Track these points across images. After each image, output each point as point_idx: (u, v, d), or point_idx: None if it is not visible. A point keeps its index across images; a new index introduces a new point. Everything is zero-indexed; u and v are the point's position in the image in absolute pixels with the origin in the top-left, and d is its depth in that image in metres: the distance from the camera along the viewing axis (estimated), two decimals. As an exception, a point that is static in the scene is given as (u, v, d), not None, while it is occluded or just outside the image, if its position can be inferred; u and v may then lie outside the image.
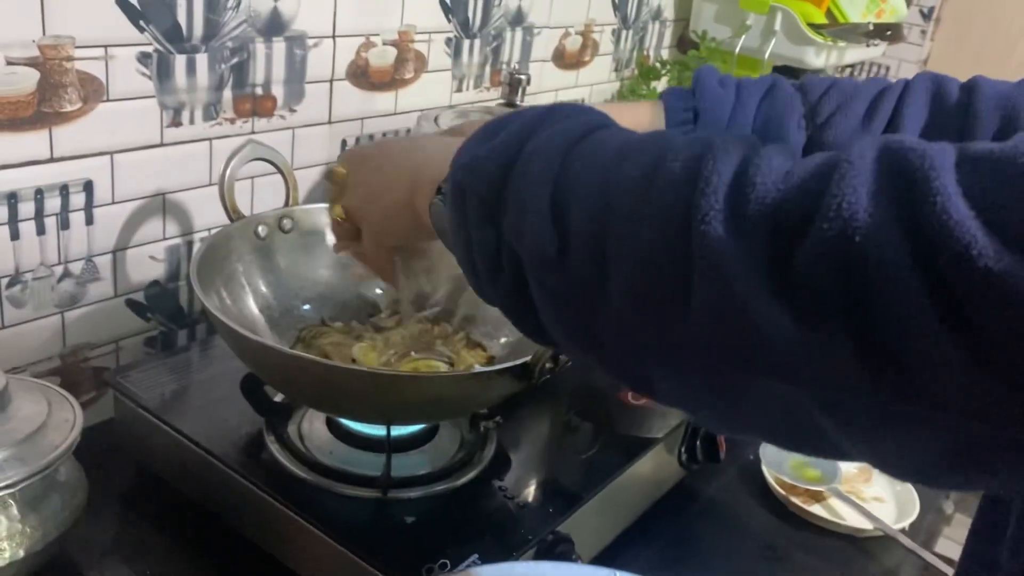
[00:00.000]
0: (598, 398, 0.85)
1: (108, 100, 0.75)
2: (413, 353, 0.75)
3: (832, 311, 0.28)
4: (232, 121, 0.86)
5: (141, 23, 0.75)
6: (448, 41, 1.08)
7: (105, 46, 0.74)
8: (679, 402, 0.38)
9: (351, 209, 0.59)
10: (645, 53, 1.48)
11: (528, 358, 0.62)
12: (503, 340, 0.80)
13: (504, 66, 1.18)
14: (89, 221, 0.78)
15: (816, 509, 0.85)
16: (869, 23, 1.39)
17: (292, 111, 0.92)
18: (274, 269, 0.79)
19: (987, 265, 0.25)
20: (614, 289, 0.35)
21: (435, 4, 1.04)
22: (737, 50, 1.38)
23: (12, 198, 0.72)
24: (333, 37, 0.93)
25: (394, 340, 0.76)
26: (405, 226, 0.55)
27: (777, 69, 1.38)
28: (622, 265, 0.35)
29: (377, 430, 0.71)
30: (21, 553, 0.59)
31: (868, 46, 1.45)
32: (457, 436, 0.75)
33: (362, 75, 0.98)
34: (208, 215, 0.87)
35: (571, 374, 0.71)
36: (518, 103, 1.02)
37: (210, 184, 0.86)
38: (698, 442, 0.83)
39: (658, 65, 1.43)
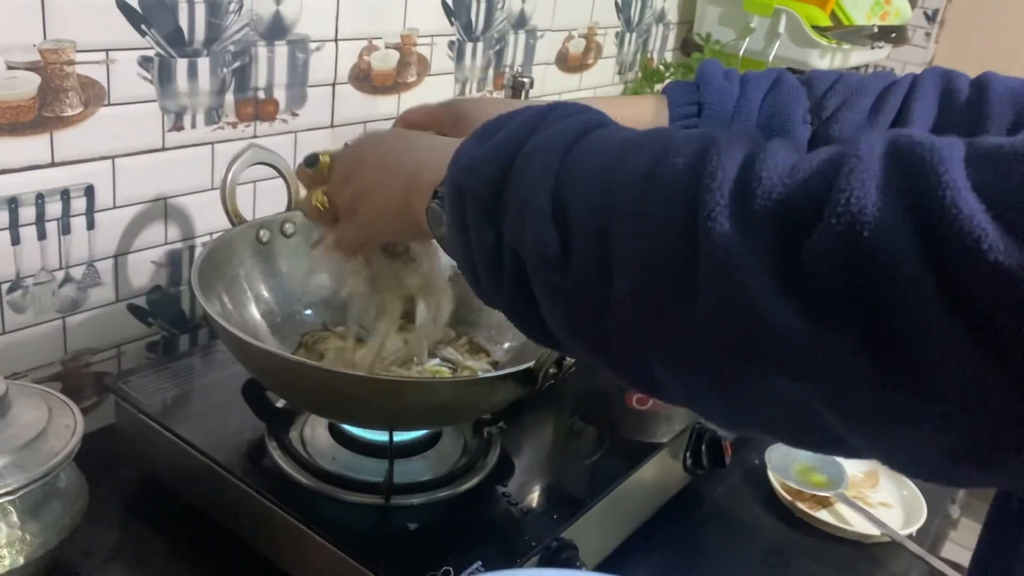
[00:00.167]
0: (602, 403, 0.84)
1: (109, 104, 0.75)
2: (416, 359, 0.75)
3: (840, 306, 0.28)
4: (234, 125, 0.86)
5: (142, 27, 0.75)
6: (451, 44, 1.07)
7: (106, 50, 0.73)
8: (684, 400, 0.37)
9: (336, 201, 0.58)
10: (649, 56, 1.47)
11: (531, 363, 0.61)
12: (506, 345, 0.79)
13: (507, 69, 1.17)
14: (90, 226, 0.78)
15: (822, 515, 0.85)
16: (873, 25, 1.38)
17: (294, 115, 0.91)
18: (276, 274, 0.79)
19: (997, 259, 0.25)
20: (618, 287, 0.35)
21: (438, 7, 1.03)
22: (741, 53, 1.38)
23: (13, 203, 0.72)
24: (335, 41, 0.92)
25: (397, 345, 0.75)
26: (398, 227, 0.54)
27: (781, 72, 1.37)
28: (625, 263, 0.35)
29: (379, 436, 0.70)
30: (21, 560, 0.59)
31: (872, 48, 1.45)
32: (460, 442, 0.75)
33: (364, 79, 0.98)
34: (210, 219, 0.86)
35: (575, 379, 0.70)
36: (521, 106, 1.01)
37: (212, 188, 0.86)
38: (703, 447, 0.82)
39: (662, 68, 1.43)
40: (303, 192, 0.61)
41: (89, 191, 0.76)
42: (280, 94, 0.89)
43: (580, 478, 0.74)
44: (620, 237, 0.35)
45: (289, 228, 0.80)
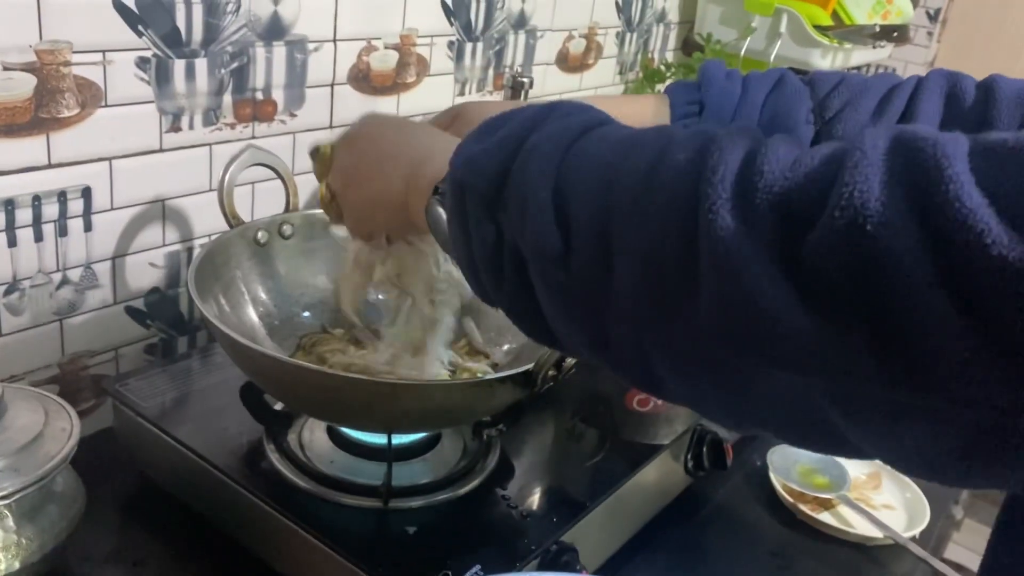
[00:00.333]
0: (603, 405, 0.84)
1: (106, 105, 0.75)
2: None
3: (843, 301, 0.28)
4: (232, 126, 0.85)
5: (139, 27, 0.74)
6: (450, 44, 1.07)
7: (103, 51, 0.73)
8: (686, 398, 0.37)
9: (337, 191, 0.58)
10: (649, 56, 1.47)
11: (531, 366, 0.61)
12: (506, 347, 0.79)
13: (507, 69, 1.17)
14: (88, 228, 0.77)
15: (825, 517, 0.84)
16: (875, 25, 1.37)
17: (293, 116, 0.91)
18: (274, 276, 0.79)
19: (1001, 254, 0.25)
20: (619, 284, 0.35)
21: (437, 7, 1.03)
22: (742, 52, 1.37)
23: (9, 205, 0.71)
24: (334, 41, 0.92)
25: (395, 347, 0.75)
26: (396, 222, 0.54)
27: (782, 71, 1.36)
28: (627, 260, 0.34)
29: (378, 439, 0.70)
30: (17, 565, 0.58)
31: (874, 48, 1.44)
32: (460, 444, 0.74)
33: (364, 79, 0.97)
34: (208, 221, 0.86)
35: (575, 381, 0.70)
36: (521, 106, 1.01)
37: (210, 190, 0.85)
38: (704, 449, 0.82)
39: (663, 68, 1.42)
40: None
41: (86, 193, 0.76)
42: (278, 95, 0.89)
43: (580, 480, 0.73)
44: (621, 234, 0.35)
45: (287, 230, 0.79)
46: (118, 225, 0.80)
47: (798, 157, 0.31)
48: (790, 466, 0.89)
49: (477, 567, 0.60)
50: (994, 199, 0.26)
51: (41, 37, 0.69)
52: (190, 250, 0.87)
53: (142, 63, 0.76)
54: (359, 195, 0.56)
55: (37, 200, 0.73)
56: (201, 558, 0.68)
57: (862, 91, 0.65)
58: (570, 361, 0.61)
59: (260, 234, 0.78)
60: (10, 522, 0.58)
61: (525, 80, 1.01)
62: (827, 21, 1.33)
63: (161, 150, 0.80)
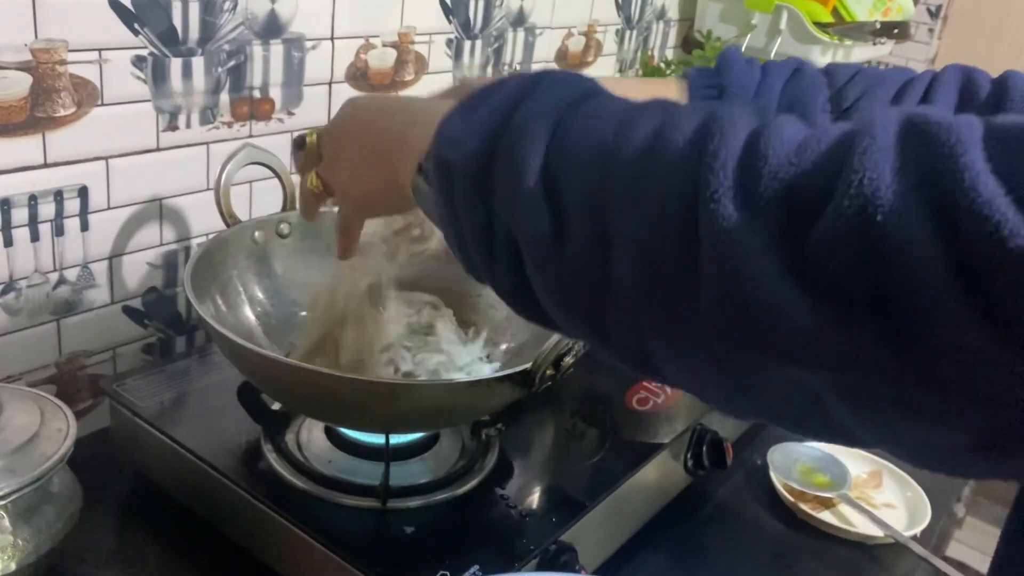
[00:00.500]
0: (602, 404, 0.83)
1: (102, 104, 0.74)
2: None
3: (850, 292, 0.27)
4: (229, 125, 0.85)
5: (135, 26, 0.74)
6: (449, 42, 1.06)
7: (99, 49, 0.73)
8: (684, 384, 0.36)
9: (328, 181, 0.56)
10: (649, 53, 1.47)
11: (528, 365, 0.60)
12: (504, 347, 0.79)
13: (506, 67, 1.16)
14: (84, 227, 0.77)
15: (825, 516, 0.84)
16: (876, 21, 1.37)
17: (290, 114, 0.90)
18: (271, 275, 0.78)
19: (1019, 245, 0.24)
20: (615, 270, 0.34)
21: (435, 5, 1.02)
22: (743, 49, 1.37)
23: (5, 204, 0.71)
24: (332, 39, 0.92)
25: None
26: (386, 202, 0.52)
27: (783, 68, 1.36)
28: (623, 245, 0.33)
29: (376, 438, 0.69)
30: (13, 566, 0.58)
31: (875, 44, 1.44)
32: (458, 444, 0.74)
33: (361, 77, 0.97)
34: (205, 220, 0.85)
35: (574, 379, 0.70)
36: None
37: (207, 189, 0.85)
38: (704, 448, 0.81)
39: (663, 65, 1.42)
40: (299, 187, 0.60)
41: (83, 192, 0.76)
42: (276, 93, 0.88)
43: (580, 480, 0.73)
44: (617, 218, 0.33)
45: (284, 229, 0.79)
46: (115, 224, 0.80)
47: (804, 141, 0.30)
48: (791, 465, 0.89)
49: (475, 567, 0.60)
50: (1011, 187, 0.25)
51: (36, 36, 0.68)
52: (187, 249, 0.86)
53: (138, 62, 0.76)
54: (351, 187, 0.54)
55: (33, 200, 0.73)
56: (198, 559, 0.68)
57: (879, 82, 0.65)
58: (568, 360, 0.60)
59: (257, 233, 0.77)
60: (6, 523, 0.58)
61: (524, 78, 1.01)
62: (827, 18, 1.33)
63: (158, 149, 0.80)
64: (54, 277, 0.77)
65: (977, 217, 0.25)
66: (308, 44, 0.89)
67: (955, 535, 1.09)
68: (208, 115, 0.83)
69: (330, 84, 0.94)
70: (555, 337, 0.59)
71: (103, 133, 0.75)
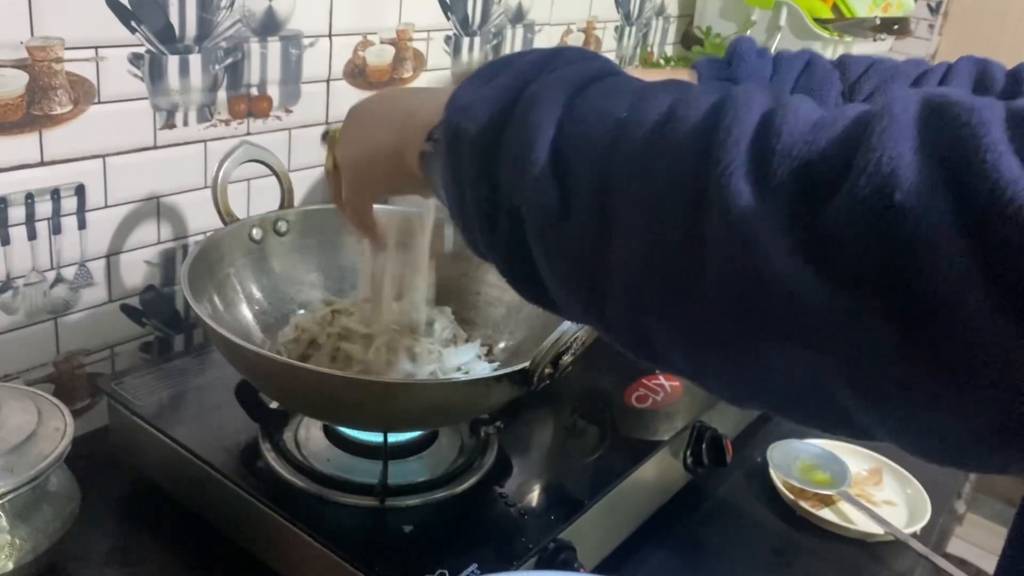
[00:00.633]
0: (601, 401, 0.83)
1: (99, 102, 0.74)
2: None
3: (865, 272, 0.26)
4: (227, 123, 0.85)
5: (132, 23, 0.74)
6: (447, 39, 1.06)
7: (96, 47, 0.72)
8: (686, 371, 0.35)
9: (339, 159, 0.56)
10: (649, 50, 1.46)
11: (527, 364, 0.60)
12: (502, 344, 0.78)
13: (505, 64, 1.16)
14: (81, 225, 0.77)
15: (825, 513, 0.84)
16: (876, 17, 1.37)
17: (288, 112, 0.90)
18: (268, 273, 0.78)
19: None
20: (621, 246, 0.33)
21: (434, 1, 1.02)
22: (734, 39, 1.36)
23: (2, 203, 0.71)
24: (329, 36, 0.91)
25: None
26: (390, 173, 0.51)
27: (782, 65, 1.35)
28: (630, 221, 0.33)
29: (375, 437, 0.69)
30: (10, 565, 0.58)
31: (875, 41, 1.43)
32: (457, 442, 0.74)
33: (359, 74, 0.97)
34: (203, 218, 0.85)
35: (573, 377, 0.69)
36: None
37: (205, 187, 0.85)
38: (704, 445, 0.81)
39: (662, 62, 1.41)
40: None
41: (80, 190, 0.76)
42: (274, 91, 0.88)
43: (579, 478, 0.73)
44: (625, 192, 0.33)
45: (282, 226, 0.79)
46: (112, 223, 0.79)
47: (820, 119, 0.29)
48: (790, 462, 0.88)
49: (474, 566, 0.60)
50: None
51: (32, 33, 0.68)
52: (185, 247, 0.86)
53: (135, 59, 0.75)
54: (355, 153, 0.54)
55: (30, 198, 0.72)
56: (197, 557, 0.68)
57: (892, 75, 0.64)
58: (567, 359, 0.60)
59: (255, 231, 0.77)
60: (3, 522, 0.58)
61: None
62: (827, 14, 1.32)
63: (155, 147, 0.80)
64: (51, 276, 0.76)
65: (999, 198, 0.24)
66: (306, 41, 0.89)
67: (956, 532, 1.09)
68: (206, 113, 0.83)
69: (328, 81, 0.93)
70: (554, 336, 0.59)
71: (100, 131, 0.75)
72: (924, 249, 0.25)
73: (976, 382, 0.26)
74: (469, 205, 0.40)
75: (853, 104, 0.30)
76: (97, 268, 0.80)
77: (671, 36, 1.51)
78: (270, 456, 0.68)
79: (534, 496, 0.69)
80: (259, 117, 0.88)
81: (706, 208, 0.30)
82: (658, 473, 0.78)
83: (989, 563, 0.80)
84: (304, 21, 0.88)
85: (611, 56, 1.37)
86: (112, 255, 0.80)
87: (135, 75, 0.76)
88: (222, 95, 0.83)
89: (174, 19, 0.77)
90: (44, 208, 0.74)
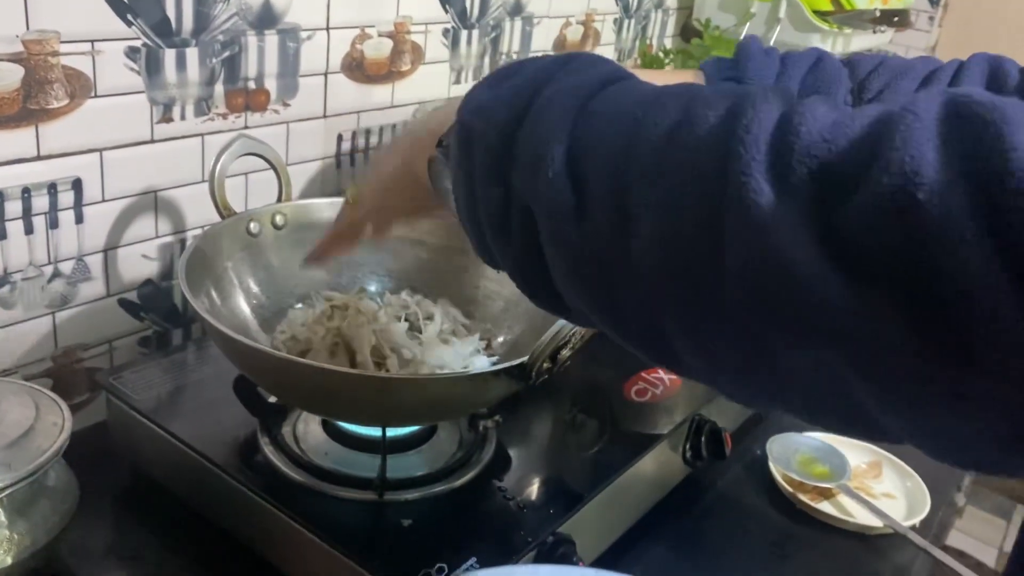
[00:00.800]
0: (600, 395, 0.83)
1: (96, 96, 0.74)
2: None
3: (887, 269, 0.26)
4: (224, 116, 0.84)
5: (128, 17, 0.74)
6: (445, 32, 1.06)
7: (92, 41, 0.72)
8: (702, 372, 0.35)
9: (359, 195, 0.58)
10: (648, 43, 1.46)
11: (525, 358, 0.60)
12: (501, 339, 0.78)
13: (503, 57, 1.16)
14: (79, 220, 0.77)
15: (825, 506, 0.84)
16: (875, 9, 1.36)
17: (286, 105, 0.90)
18: (266, 267, 0.78)
19: None
20: (637, 248, 0.33)
21: (432, -6, 1.02)
22: (741, 38, 1.36)
23: (-1, 197, 0.71)
24: (327, 29, 0.91)
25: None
26: (404, 195, 0.51)
27: (782, 57, 1.35)
28: (646, 221, 0.32)
29: (373, 431, 0.69)
30: (9, 560, 0.58)
31: (875, 33, 1.43)
32: (456, 436, 0.74)
33: (357, 68, 0.96)
34: (201, 212, 0.85)
35: (572, 371, 0.69)
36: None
37: (202, 181, 0.84)
38: (703, 439, 0.81)
39: (661, 55, 1.41)
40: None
41: (77, 184, 0.75)
42: (271, 84, 0.88)
43: (578, 471, 0.73)
44: (641, 193, 0.33)
45: (280, 220, 0.79)
46: (110, 217, 0.79)
47: (839, 118, 0.29)
48: (790, 455, 0.88)
49: (473, 559, 0.60)
50: None
51: (28, 27, 0.68)
52: (183, 241, 0.86)
53: (132, 53, 0.75)
54: (372, 184, 0.55)
55: (27, 192, 0.72)
56: (195, 551, 0.68)
57: (902, 73, 0.63)
58: (565, 353, 0.60)
59: (252, 225, 0.77)
60: (2, 517, 0.58)
61: (521, 67, 1.00)
62: (827, 6, 1.32)
63: (152, 141, 0.80)
64: (49, 270, 0.76)
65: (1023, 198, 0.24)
66: (303, 34, 0.89)
67: (955, 525, 1.09)
68: (203, 107, 0.82)
69: (326, 75, 0.93)
70: (552, 330, 0.59)
71: (97, 125, 0.75)
72: (947, 248, 0.25)
73: (999, 381, 0.26)
74: (481, 208, 0.39)
75: (871, 104, 0.30)
76: (95, 262, 0.79)
77: (670, 28, 1.50)
78: (268, 450, 0.68)
79: (533, 490, 0.69)
80: (257, 111, 0.87)
81: (725, 206, 0.30)
82: (657, 467, 0.78)
83: (988, 555, 0.80)
84: (301, 14, 0.87)
85: (610, 49, 1.37)
86: (110, 249, 0.80)
87: (132, 69, 0.76)
88: (219, 89, 0.83)
89: (170, 12, 0.76)
90: (41, 202, 0.73)
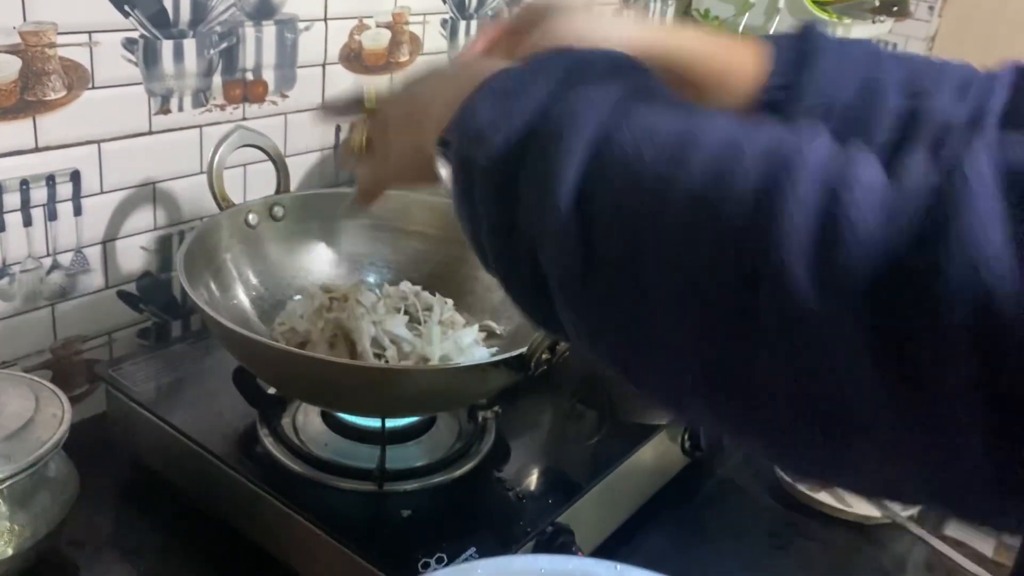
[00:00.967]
0: (599, 385, 0.83)
1: (93, 87, 0.74)
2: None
3: (949, 374, 0.23)
4: (222, 107, 0.84)
5: (126, 8, 0.73)
6: (444, 22, 1.05)
7: (89, 32, 0.72)
8: (734, 441, 0.33)
9: (373, 139, 0.50)
10: (646, 33, 1.45)
11: (524, 350, 0.60)
12: (500, 330, 0.78)
13: (502, 48, 1.15)
14: (77, 212, 0.77)
15: (823, 496, 0.84)
16: (875, -1, 1.36)
17: (284, 96, 0.90)
18: (265, 258, 0.78)
19: None
20: (657, 316, 0.30)
21: (430, -15, 1.01)
22: (740, 29, 1.36)
23: (-3, 189, 0.71)
24: (325, 20, 0.91)
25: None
26: (419, 171, 0.45)
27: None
28: (668, 290, 0.29)
29: (373, 422, 0.69)
30: (10, 551, 0.58)
31: (874, 22, 1.42)
32: (455, 427, 0.74)
33: (355, 58, 0.96)
34: (199, 204, 0.85)
35: (571, 362, 0.70)
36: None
37: (200, 172, 0.84)
38: (702, 429, 0.81)
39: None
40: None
41: (75, 176, 0.75)
42: (269, 75, 0.87)
43: (576, 462, 0.73)
44: (661, 259, 0.29)
45: (278, 211, 0.79)
46: (108, 209, 0.79)
47: (890, 203, 0.25)
48: (788, 445, 0.88)
49: (472, 550, 0.60)
50: None
51: (25, 18, 0.67)
52: (182, 233, 0.86)
53: (129, 44, 0.75)
54: (389, 142, 0.48)
55: (25, 184, 0.72)
56: (195, 543, 0.68)
57: (934, 86, 0.52)
58: (564, 345, 0.60)
59: (251, 216, 0.77)
60: (3, 509, 0.58)
61: (520, 58, 1.00)
62: (826, -5, 1.31)
63: (150, 132, 0.79)
64: (48, 262, 0.76)
65: None
66: (301, 25, 0.88)
67: (953, 514, 1.09)
68: (201, 98, 0.82)
69: (324, 66, 0.93)
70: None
71: (95, 117, 0.75)
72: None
73: None
74: (483, 235, 0.36)
75: (921, 165, 0.26)
76: (93, 254, 0.79)
77: (669, 18, 1.50)
78: (268, 442, 0.68)
79: (532, 480, 0.69)
80: (254, 102, 0.87)
81: (759, 289, 0.27)
82: (656, 457, 0.78)
83: (987, 546, 0.80)
84: (299, 5, 0.87)
85: (609, 39, 1.36)
86: (108, 241, 0.80)
87: (129, 60, 0.75)
88: (217, 80, 0.83)
89: (168, 3, 0.76)
90: (39, 194, 0.73)
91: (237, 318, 0.72)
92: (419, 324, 0.74)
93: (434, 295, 0.77)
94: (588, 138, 0.32)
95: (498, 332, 0.77)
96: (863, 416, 0.26)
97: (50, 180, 0.74)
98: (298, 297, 0.78)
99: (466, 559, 0.59)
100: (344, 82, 0.95)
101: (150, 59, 0.77)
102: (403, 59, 1.02)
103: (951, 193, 0.24)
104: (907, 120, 0.48)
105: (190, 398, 0.74)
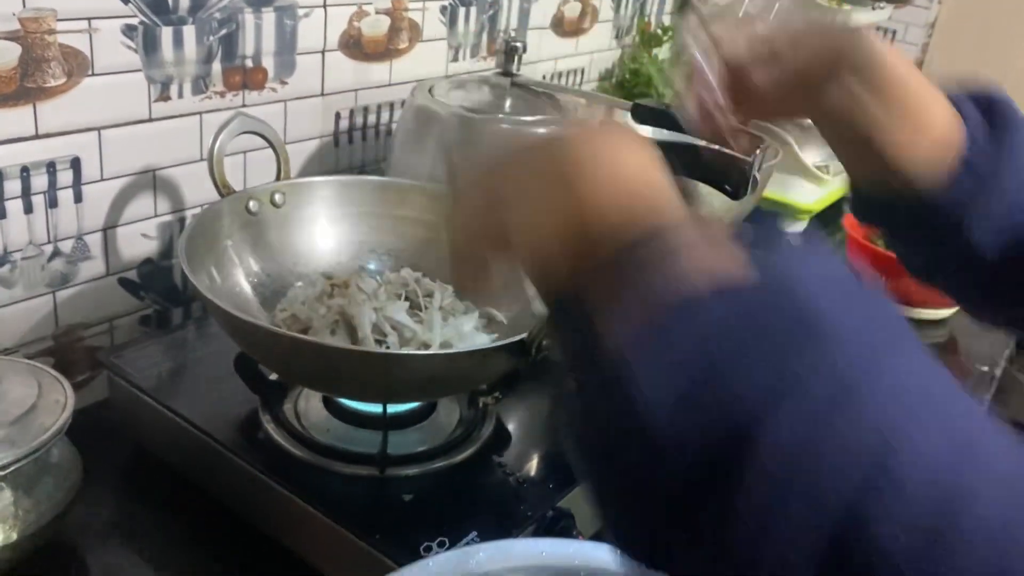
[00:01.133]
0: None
1: (93, 74, 0.74)
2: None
3: None
4: (222, 95, 0.84)
5: (125, -6, 0.73)
6: (443, 9, 1.05)
7: (88, 18, 0.72)
8: None
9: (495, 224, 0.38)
10: (646, 19, 1.45)
11: (524, 335, 0.60)
12: (500, 316, 0.78)
13: (500, 34, 1.15)
14: (78, 199, 0.77)
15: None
16: (875, -15, 1.36)
17: (284, 83, 0.90)
18: (266, 245, 0.78)
19: None
20: None
21: (429, -29, 1.01)
22: (741, 14, 1.35)
23: (-2, 176, 0.71)
24: (324, 7, 0.90)
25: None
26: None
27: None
28: None
29: (374, 407, 0.70)
30: (14, 536, 0.58)
31: (874, 9, 1.42)
32: (456, 412, 0.74)
33: (355, 45, 0.96)
34: (200, 191, 0.85)
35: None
36: (514, 72, 1.00)
37: (201, 159, 0.84)
38: (701, 415, 0.81)
39: (660, 32, 1.41)
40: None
41: (75, 163, 0.75)
42: (268, 62, 0.87)
43: (577, 447, 0.73)
44: None
45: (279, 198, 0.79)
46: (109, 196, 0.79)
47: None
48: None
49: (473, 533, 0.60)
50: None
51: (24, 5, 0.67)
52: (182, 220, 0.86)
53: (129, 31, 0.75)
54: (521, 211, 0.36)
55: (25, 171, 0.72)
56: (198, 528, 0.69)
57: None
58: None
59: (252, 203, 0.77)
60: (7, 494, 0.58)
61: (518, 45, 1.00)
62: (826, -18, 1.31)
63: (150, 119, 0.79)
64: (49, 249, 0.76)
65: None
66: (300, 12, 0.88)
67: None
68: (200, 85, 0.82)
69: (323, 52, 0.93)
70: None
71: (95, 103, 0.75)
72: None
73: None
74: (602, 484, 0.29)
75: None
76: (94, 241, 0.79)
77: (669, 5, 1.49)
78: (270, 427, 0.68)
79: (532, 465, 0.70)
80: (254, 89, 0.87)
81: None
82: (655, 442, 0.79)
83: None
84: (298, -9, 0.87)
85: (608, 26, 1.36)
86: (109, 228, 0.80)
87: (129, 47, 0.75)
88: (217, 67, 0.83)
89: (167, -11, 0.76)
90: (40, 181, 0.73)
91: (238, 304, 0.73)
92: (420, 310, 0.74)
93: (435, 282, 0.78)
94: (838, 492, 0.23)
95: (499, 319, 0.77)
96: None
97: (50, 167, 0.74)
98: (299, 284, 0.78)
99: (467, 543, 0.60)
100: (343, 69, 0.95)
101: (150, 46, 0.77)
102: (403, 46, 1.02)
103: None
104: None
105: (192, 384, 0.74)
